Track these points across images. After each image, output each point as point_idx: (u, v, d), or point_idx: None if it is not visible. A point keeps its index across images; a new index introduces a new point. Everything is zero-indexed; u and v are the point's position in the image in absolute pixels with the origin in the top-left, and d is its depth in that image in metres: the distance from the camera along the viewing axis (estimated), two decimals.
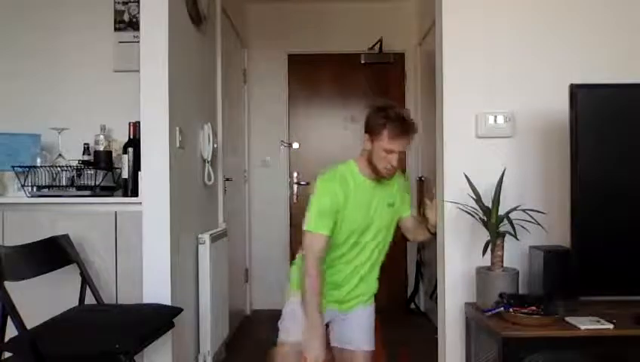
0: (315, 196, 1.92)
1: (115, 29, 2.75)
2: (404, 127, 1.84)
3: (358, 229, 1.94)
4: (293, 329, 1.97)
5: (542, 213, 1.86)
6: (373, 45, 4.04)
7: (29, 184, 2.32)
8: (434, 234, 2.08)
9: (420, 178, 3.86)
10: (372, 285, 2.06)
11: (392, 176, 1.93)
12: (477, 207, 1.83)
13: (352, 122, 4.13)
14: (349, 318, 2.02)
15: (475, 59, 1.99)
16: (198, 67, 2.67)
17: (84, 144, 2.50)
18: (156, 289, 2.13)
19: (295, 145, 4.23)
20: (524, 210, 1.83)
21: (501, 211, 1.79)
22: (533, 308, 1.64)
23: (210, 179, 2.75)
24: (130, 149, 2.35)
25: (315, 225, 1.88)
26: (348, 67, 4.11)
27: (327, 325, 2.06)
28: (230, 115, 3.44)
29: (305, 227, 1.91)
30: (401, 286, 4.12)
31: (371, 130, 1.89)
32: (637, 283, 1.71)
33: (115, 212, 2.21)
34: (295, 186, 4.20)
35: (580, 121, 1.67)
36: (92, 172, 2.33)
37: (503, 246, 1.79)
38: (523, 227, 1.83)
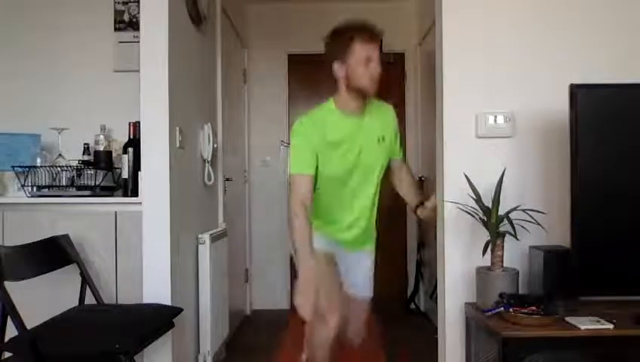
0: (293, 140, 1.93)
1: (115, 29, 2.75)
2: (373, 30, 1.87)
3: (342, 166, 1.94)
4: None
5: (542, 213, 1.86)
6: None
7: (29, 184, 2.32)
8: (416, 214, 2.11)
9: (420, 178, 3.86)
10: (370, 227, 2.09)
11: (376, 87, 1.89)
12: (477, 207, 1.83)
13: None
14: (353, 260, 2.07)
15: (475, 59, 1.99)
16: (198, 67, 2.67)
17: (84, 144, 2.50)
18: (156, 289, 2.13)
19: None
20: (524, 210, 1.83)
21: (501, 211, 1.79)
22: (533, 308, 1.64)
23: (210, 179, 2.75)
24: (130, 149, 2.35)
25: (297, 166, 1.89)
26: None
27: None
28: (230, 115, 3.44)
29: (289, 171, 1.93)
30: (401, 286, 4.12)
31: (340, 53, 1.87)
32: (637, 283, 1.71)
33: (115, 212, 2.21)
34: None
35: (580, 121, 1.67)
36: (92, 172, 2.33)
37: (503, 246, 1.79)
38: (523, 227, 1.83)
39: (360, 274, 2.11)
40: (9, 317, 1.70)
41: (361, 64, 1.85)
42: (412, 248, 4.08)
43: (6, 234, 2.21)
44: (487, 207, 1.80)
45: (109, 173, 2.39)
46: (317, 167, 1.92)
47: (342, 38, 1.88)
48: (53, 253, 2.04)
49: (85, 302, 2.08)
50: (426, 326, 3.54)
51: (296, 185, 1.88)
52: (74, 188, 2.31)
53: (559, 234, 1.90)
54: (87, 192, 2.29)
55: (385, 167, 2.07)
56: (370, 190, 2.04)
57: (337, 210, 2.02)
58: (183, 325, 2.27)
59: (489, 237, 1.79)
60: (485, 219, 1.80)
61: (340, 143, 1.92)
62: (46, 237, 2.04)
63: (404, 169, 2.19)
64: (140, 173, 2.20)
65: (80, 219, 2.21)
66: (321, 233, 2.02)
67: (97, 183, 2.31)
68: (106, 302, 2.13)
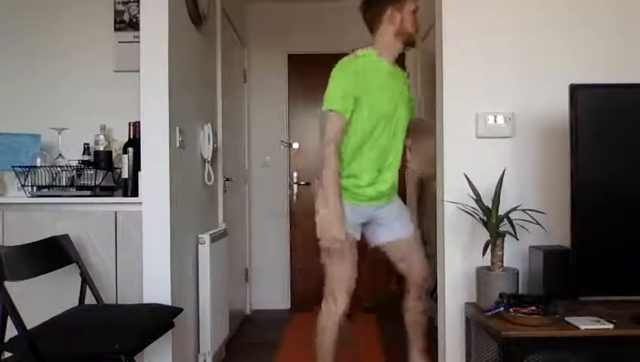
0: (333, 79, 2.03)
1: (115, 29, 2.75)
2: None
3: (385, 113, 2.06)
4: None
5: (542, 213, 1.86)
6: None
7: (29, 184, 2.32)
8: None
9: (421, 178, 3.86)
10: (396, 177, 2.22)
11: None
12: (477, 206, 1.83)
13: None
14: (392, 211, 2.21)
15: (475, 59, 1.99)
16: (198, 67, 2.67)
17: (84, 144, 2.50)
18: (156, 289, 2.13)
19: (295, 145, 4.23)
20: (524, 210, 1.83)
21: (501, 211, 1.79)
22: (533, 308, 1.64)
23: (210, 179, 2.75)
24: (130, 149, 2.35)
25: (333, 103, 2.00)
26: None
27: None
28: (230, 115, 3.44)
29: (324, 106, 2.02)
30: (401, 286, 4.12)
31: (396, 1, 2.08)
32: (637, 283, 1.71)
33: (115, 212, 2.21)
34: (295, 186, 4.20)
35: (579, 121, 1.67)
36: (92, 172, 2.33)
37: (503, 246, 1.79)
38: (523, 227, 1.83)
39: (404, 216, 2.27)
40: (9, 317, 1.70)
41: (410, 13, 2.09)
42: None
43: (6, 234, 2.21)
44: (487, 207, 1.80)
45: (109, 173, 2.39)
46: (352, 118, 2.03)
47: None
48: (53, 253, 2.04)
49: (85, 302, 2.08)
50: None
51: (333, 121, 1.99)
52: (74, 188, 2.31)
53: (559, 234, 1.91)
54: (87, 192, 2.29)
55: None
56: (401, 138, 2.17)
57: (378, 158, 2.11)
58: (183, 325, 2.27)
59: (489, 237, 1.79)
60: (485, 219, 1.81)
61: (383, 87, 2.07)
62: (46, 237, 2.04)
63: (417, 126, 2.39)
64: (140, 173, 2.20)
65: (80, 219, 2.21)
66: (353, 200, 2.11)
67: (97, 183, 2.31)
68: (106, 302, 2.13)
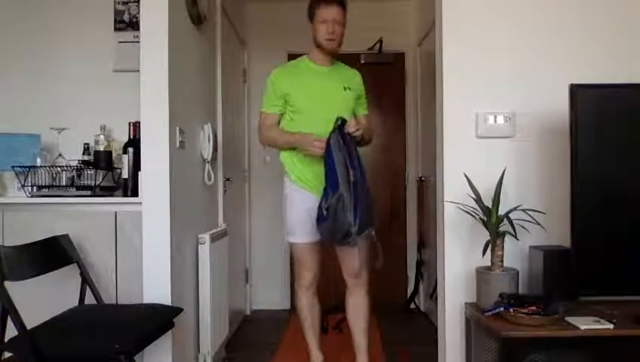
0: (266, 83, 2.39)
1: (115, 29, 2.75)
2: None
3: (314, 105, 2.29)
4: (294, 226, 2.33)
5: (542, 213, 1.86)
6: (373, 45, 4.04)
7: (29, 184, 2.32)
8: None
9: (420, 178, 3.86)
10: None
11: (334, 45, 2.33)
12: (477, 207, 1.83)
13: None
14: None
15: (475, 59, 1.99)
16: (198, 67, 2.67)
17: (84, 144, 2.50)
18: (156, 289, 2.13)
19: None
20: (524, 210, 1.83)
21: (501, 211, 1.80)
22: (533, 308, 1.64)
23: (210, 179, 2.75)
24: (130, 149, 2.35)
25: (264, 105, 2.39)
26: None
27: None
28: (230, 115, 3.44)
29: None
30: (401, 286, 4.12)
31: (310, 16, 2.39)
32: (637, 283, 1.71)
33: (115, 212, 2.21)
34: None
35: (579, 121, 1.67)
36: (92, 172, 2.33)
37: (503, 247, 1.79)
38: (523, 227, 1.83)
39: None
40: (9, 317, 1.70)
41: (319, 24, 2.34)
42: (412, 248, 4.08)
43: (6, 234, 2.21)
44: (487, 207, 1.81)
45: (109, 173, 2.39)
46: (288, 108, 2.34)
47: (311, 2, 2.40)
48: (53, 253, 2.04)
49: (85, 302, 2.08)
50: (426, 326, 3.54)
51: (262, 119, 2.42)
52: (74, 188, 2.31)
53: (559, 234, 1.91)
54: (87, 192, 2.29)
55: (352, 115, 2.37)
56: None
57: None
58: (183, 325, 2.27)
59: (489, 237, 1.79)
60: (485, 219, 1.81)
61: (309, 86, 2.33)
62: (46, 237, 2.04)
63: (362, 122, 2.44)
64: (140, 173, 2.20)
65: (80, 219, 2.21)
66: (302, 184, 2.33)
67: (97, 183, 2.31)
68: (106, 302, 2.13)
